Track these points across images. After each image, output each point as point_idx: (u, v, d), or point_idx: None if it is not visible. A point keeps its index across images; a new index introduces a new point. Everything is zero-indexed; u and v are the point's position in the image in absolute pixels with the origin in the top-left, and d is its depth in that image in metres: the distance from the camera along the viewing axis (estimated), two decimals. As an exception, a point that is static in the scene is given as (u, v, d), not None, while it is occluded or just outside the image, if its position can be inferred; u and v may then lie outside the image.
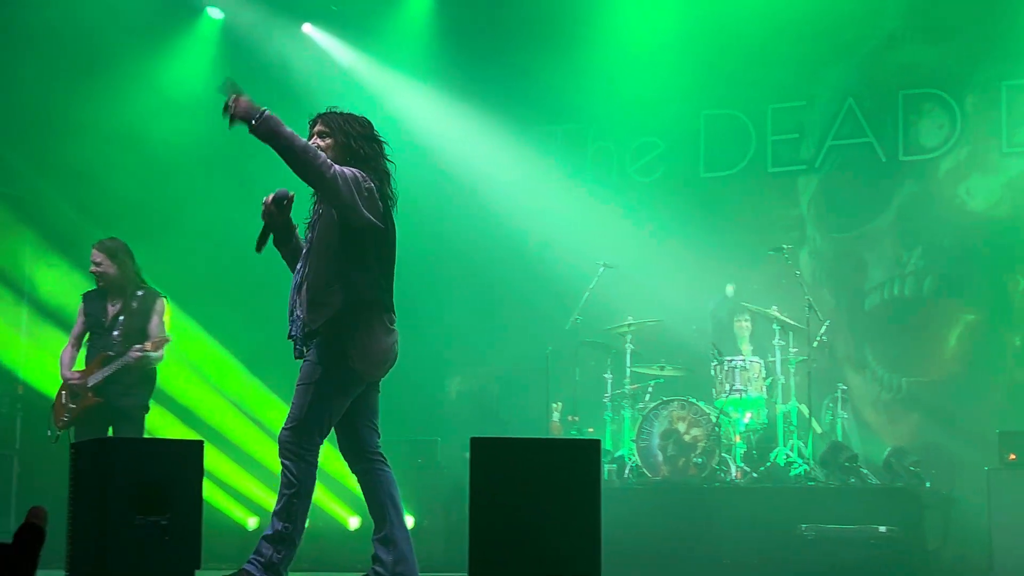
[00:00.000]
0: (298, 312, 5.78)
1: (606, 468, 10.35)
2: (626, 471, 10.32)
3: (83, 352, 8.12)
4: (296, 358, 5.85)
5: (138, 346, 7.72)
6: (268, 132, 5.50)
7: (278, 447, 5.75)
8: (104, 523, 5.14)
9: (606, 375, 10.84)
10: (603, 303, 11.03)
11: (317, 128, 5.93)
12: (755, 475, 9.98)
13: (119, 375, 7.78)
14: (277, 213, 5.84)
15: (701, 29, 11.83)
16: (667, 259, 11.53)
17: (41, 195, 11.78)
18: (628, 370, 10.72)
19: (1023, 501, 9.05)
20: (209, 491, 9.80)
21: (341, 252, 5.75)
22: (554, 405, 11.10)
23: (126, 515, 5.14)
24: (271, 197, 5.85)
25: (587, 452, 5.05)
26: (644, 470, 10.18)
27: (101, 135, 11.29)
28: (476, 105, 12.40)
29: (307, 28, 12.86)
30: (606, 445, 10.57)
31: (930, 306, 11.31)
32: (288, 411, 5.79)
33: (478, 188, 12.34)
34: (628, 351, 10.71)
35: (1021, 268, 11.03)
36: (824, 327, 10.34)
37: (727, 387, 10.23)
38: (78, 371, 7.96)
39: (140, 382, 7.88)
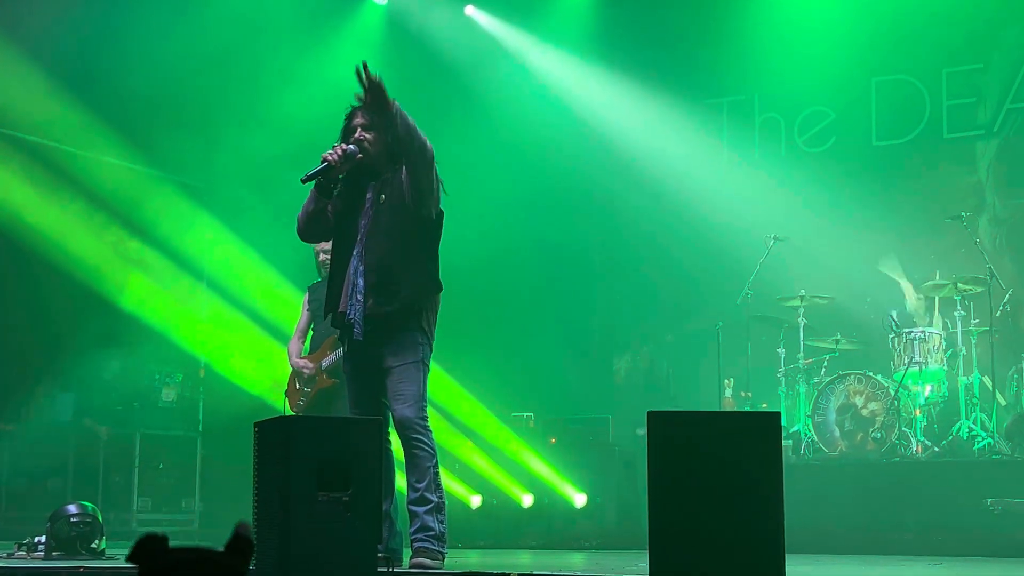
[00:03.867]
0: (359, 296, 5.84)
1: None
2: (802, 447, 10.16)
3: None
4: (353, 338, 5.90)
5: None
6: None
7: (404, 428, 5.92)
8: (288, 500, 5.22)
9: (779, 350, 10.66)
10: (774, 277, 10.85)
11: (358, 120, 5.95)
12: (937, 449, 9.74)
13: None
14: (340, 164, 5.88)
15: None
16: (839, 231, 11.30)
17: (215, 184, 12.04)
18: (802, 344, 10.53)
19: None
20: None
21: (412, 239, 5.90)
22: (726, 381, 10.96)
23: (309, 492, 5.21)
24: (346, 146, 5.90)
25: (767, 424, 4.95)
26: (821, 445, 10.04)
27: (267, 123, 11.38)
28: (641, 80, 12.31)
29: (470, 10, 12.92)
30: (781, 420, 10.40)
31: (1119, 272, 10.89)
32: (399, 392, 5.91)
33: (646, 165, 12.23)
34: (801, 325, 10.53)
35: None
36: (1007, 296, 10.04)
37: (905, 359, 9.97)
38: (306, 358, 7.99)
39: None
